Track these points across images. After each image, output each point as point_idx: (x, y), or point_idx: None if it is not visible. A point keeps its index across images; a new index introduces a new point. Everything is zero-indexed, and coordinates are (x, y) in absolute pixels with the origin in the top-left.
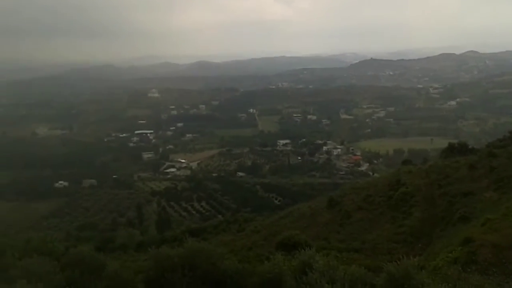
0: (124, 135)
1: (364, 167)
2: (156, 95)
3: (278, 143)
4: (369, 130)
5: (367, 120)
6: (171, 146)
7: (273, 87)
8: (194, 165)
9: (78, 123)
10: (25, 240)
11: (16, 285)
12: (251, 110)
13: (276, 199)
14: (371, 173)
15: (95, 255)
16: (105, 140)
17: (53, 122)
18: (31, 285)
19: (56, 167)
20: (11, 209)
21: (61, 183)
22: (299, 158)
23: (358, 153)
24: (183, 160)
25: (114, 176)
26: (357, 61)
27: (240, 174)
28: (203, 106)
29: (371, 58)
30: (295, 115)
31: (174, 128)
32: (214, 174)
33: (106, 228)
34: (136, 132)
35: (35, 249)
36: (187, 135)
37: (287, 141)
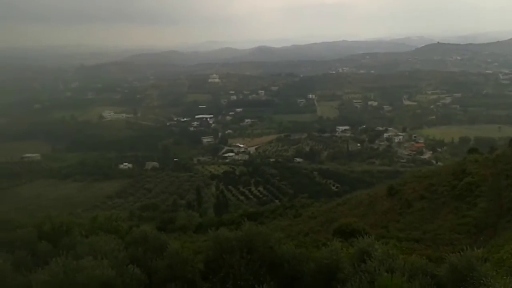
0: (185, 119)
1: (427, 155)
2: (216, 80)
3: (337, 129)
4: (433, 117)
5: (431, 106)
6: (230, 131)
7: (333, 72)
8: (252, 150)
9: (142, 107)
10: (92, 218)
11: (83, 261)
12: (310, 95)
13: (333, 185)
14: (434, 162)
15: (157, 234)
16: (167, 124)
17: (118, 106)
18: (97, 262)
19: (121, 149)
20: (78, 188)
21: (126, 165)
22: (359, 145)
23: (421, 141)
24: (241, 145)
25: (175, 159)
26: (422, 45)
27: (298, 160)
28: (262, 91)
29: (438, 42)
30: (355, 101)
31: (233, 113)
32: (271, 159)
33: (167, 209)
34: (197, 116)
35: (101, 227)
36: (246, 120)
37: (347, 127)
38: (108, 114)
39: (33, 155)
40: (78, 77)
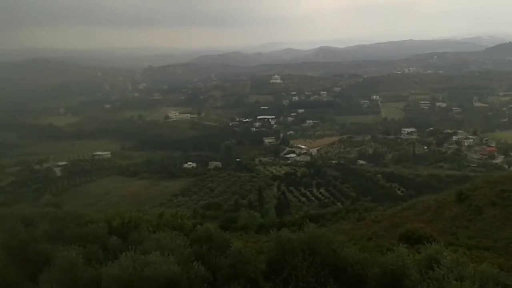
0: (247, 120)
1: (499, 159)
2: (278, 81)
3: (402, 131)
4: (505, 119)
5: (503, 108)
6: (291, 132)
7: (399, 72)
8: (314, 151)
9: (205, 108)
10: (158, 215)
11: (150, 256)
12: (374, 96)
13: (398, 189)
14: (506, 167)
15: (221, 233)
16: (230, 124)
17: (183, 106)
18: (164, 257)
19: (185, 149)
20: (145, 186)
21: (190, 164)
22: (425, 147)
23: (493, 144)
24: (303, 146)
25: (237, 159)
26: (494, 45)
27: (361, 162)
28: (325, 92)
29: (510, 41)
30: (422, 102)
31: (295, 114)
32: (333, 161)
33: (229, 209)
34: (258, 117)
35: (166, 224)
36: (308, 121)
37: (412, 129)
38: (174, 114)
39: (104, 153)
40: (146, 78)
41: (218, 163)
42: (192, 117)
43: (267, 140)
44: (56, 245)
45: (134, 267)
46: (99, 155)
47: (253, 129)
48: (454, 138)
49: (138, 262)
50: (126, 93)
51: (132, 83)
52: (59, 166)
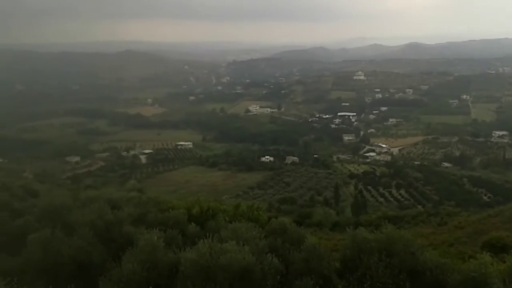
0: (327, 116)
1: None
2: (362, 77)
3: (493, 134)
4: None
5: None
6: (372, 130)
7: (492, 72)
8: (395, 151)
9: (286, 103)
10: (235, 206)
11: (226, 245)
12: (464, 96)
13: (485, 195)
14: None
15: (296, 227)
16: (309, 120)
17: (264, 100)
18: (239, 247)
19: (264, 142)
20: (223, 177)
21: (267, 158)
22: None
23: None
24: (384, 145)
25: (314, 156)
26: None
27: (446, 164)
28: (410, 90)
29: None
30: None
31: (377, 111)
32: (416, 162)
33: (304, 204)
34: (339, 114)
35: (243, 215)
36: (391, 120)
37: (504, 132)
38: (254, 108)
39: (186, 143)
40: (230, 72)
41: (295, 158)
42: (272, 112)
43: (346, 137)
44: (139, 228)
45: (211, 254)
46: (181, 145)
47: (333, 125)
48: None
49: (215, 250)
50: (210, 86)
51: (216, 76)
52: (144, 153)
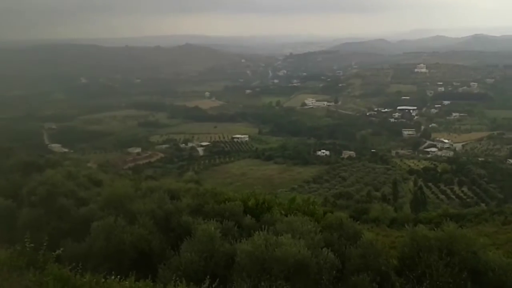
0: (385, 110)
1: None
2: (423, 70)
3: None
4: None
5: None
6: (434, 125)
7: None
8: (458, 146)
9: (343, 96)
10: (290, 199)
11: (282, 238)
12: None
13: None
14: None
15: (352, 222)
16: (367, 114)
17: (320, 94)
18: (294, 240)
19: (320, 136)
20: (279, 170)
21: (323, 152)
22: None
23: None
24: (446, 140)
25: (372, 150)
26: None
27: (511, 161)
28: (475, 83)
29: None
30: None
31: (439, 106)
32: (480, 159)
33: (361, 200)
34: (399, 108)
35: (298, 208)
36: (453, 114)
37: None
38: (310, 101)
39: (242, 136)
40: (286, 65)
41: (352, 153)
42: (329, 105)
43: (406, 132)
44: (197, 218)
45: (266, 247)
46: (238, 138)
47: (392, 119)
48: None
49: (270, 242)
50: (266, 79)
51: (272, 69)
52: (202, 146)
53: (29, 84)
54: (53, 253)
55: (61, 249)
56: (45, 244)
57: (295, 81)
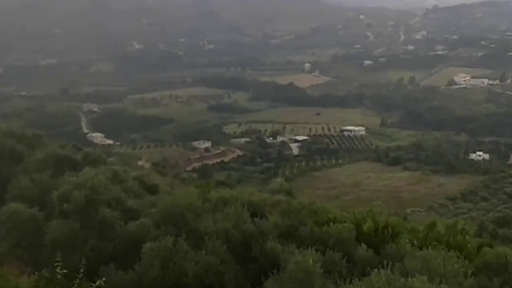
0: None
1: None
2: None
3: None
4: None
5: None
6: None
7: None
8: None
9: None
10: (428, 225)
11: (412, 280)
12: None
13: None
14: None
15: None
16: None
17: (478, 67)
18: (433, 285)
19: (475, 131)
20: (409, 180)
21: (480, 155)
22: None
23: None
24: None
25: None
26: None
27: None
28: None
29: None
30: None
31: None
32: None
33: None
34: None
35: (439, 238)
36: None
37: None
38: (462, 79)
39: (356, 128)
40: (427, 24)
41: None
42: (491, 85)
43: None
44: (288, 245)
45: None
46: (349, 130)
47: None
48: None
49: (396, 286)
50: (396, 45)
51: (405, 31)
52: (297, 141)
53: (63, 49)
54: (92, 284)
55: (103, 279)
56: (81, 270)
57: (439, 47)
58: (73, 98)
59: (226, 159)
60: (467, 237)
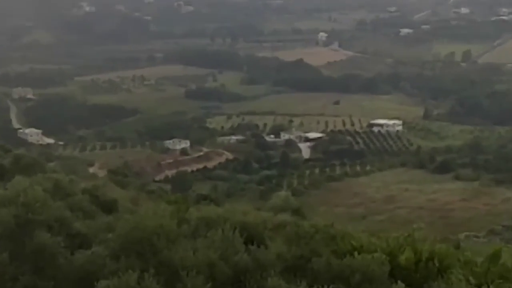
0: None
1: None
2: None
3: None
4: None
5: None
6: None
7: None
8: None
9: None
10: (491, 254)
11: None
12: None
13: None
14: None
15: None
16: None
17: None
18: None
19: None
20: (464, 193)
21: None
22: None
23: None
24: None
25: None
26: None
27: None
28: None
29: None
30: None
31: None
32: None
33: None
34: None
35: (504, 273)
36: None
37: None
38: None
39: (390, 122)
40: None
41: None
42: None
43: None
44: (296, 282)
45: None
46: (380, 125)
47: None
48: None
49: None
50: (444, 7)
51: None
52: (308, 140)
53: None
54: None
55: None
56: None
57: (504, 10)
58: (0, 81)
59: (210, 164)
60: None
